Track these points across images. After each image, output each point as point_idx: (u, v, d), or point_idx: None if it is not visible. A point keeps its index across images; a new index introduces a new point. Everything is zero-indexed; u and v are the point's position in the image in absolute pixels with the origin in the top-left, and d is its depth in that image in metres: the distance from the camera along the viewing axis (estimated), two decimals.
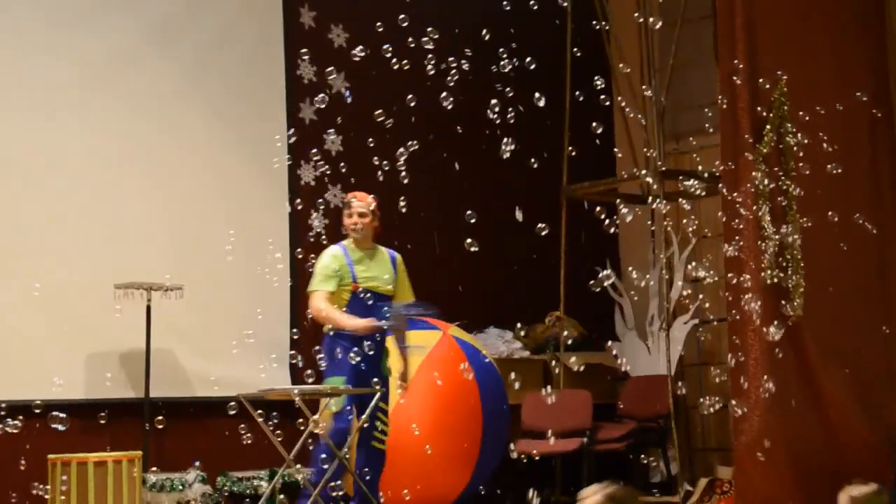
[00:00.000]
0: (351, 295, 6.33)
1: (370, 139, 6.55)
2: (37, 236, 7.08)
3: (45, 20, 7.35)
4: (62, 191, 7.22)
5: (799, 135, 6.79)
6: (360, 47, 5.84)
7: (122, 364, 7.40)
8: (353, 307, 6.31)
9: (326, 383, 6.25)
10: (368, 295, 6.33)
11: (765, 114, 6.83)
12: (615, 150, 9.30)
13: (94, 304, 7.08)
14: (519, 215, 5.57)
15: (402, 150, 5.73)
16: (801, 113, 6.81)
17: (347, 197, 6.51)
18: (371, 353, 6.11)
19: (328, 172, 7.75)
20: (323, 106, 6.49)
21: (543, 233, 5.86)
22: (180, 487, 7.25)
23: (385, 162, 6.07)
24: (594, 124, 6.39)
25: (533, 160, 6.11)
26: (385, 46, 6.28)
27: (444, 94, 6.09)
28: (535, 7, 6.33)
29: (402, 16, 7.09)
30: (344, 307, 6.30)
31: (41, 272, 6.92)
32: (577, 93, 7.69)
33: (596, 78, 6.45)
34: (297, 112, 8.33)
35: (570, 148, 8.45)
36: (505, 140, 5.74)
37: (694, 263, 8.55)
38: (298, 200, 7.75)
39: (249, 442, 6.13)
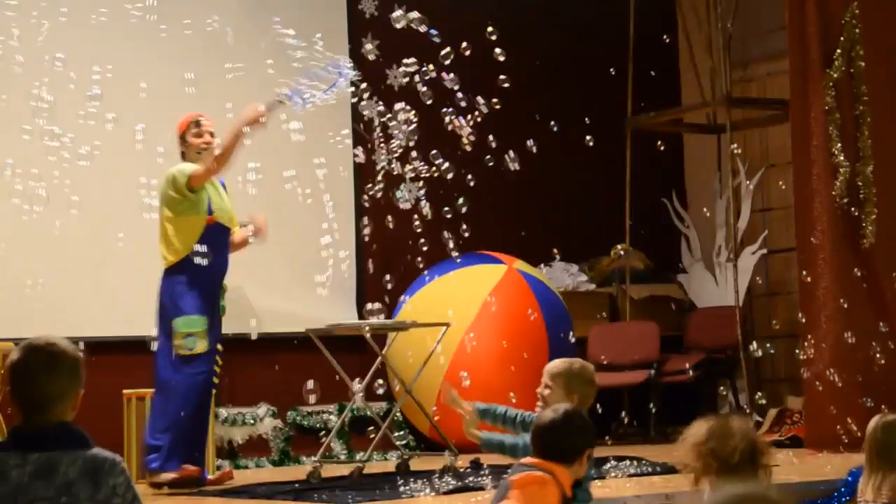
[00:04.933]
0: (205, 228, 5.87)
1: (431, 70, 6.47)
2: (117, 190, 7.11)
3: None
4: (138, 149, 7.25)
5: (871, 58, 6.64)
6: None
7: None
8: (207, 243, 5.82)
9: (179, 323, 5.76)
10: (220, 229, 5.96)
11: (837, 38, 6.70)
12: (680, 78, 9.20)
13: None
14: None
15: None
16: (872, 35, 6.65)
17: (193, 115, 6.03)
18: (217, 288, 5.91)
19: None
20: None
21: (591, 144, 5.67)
22: (252, 422, 7.38)
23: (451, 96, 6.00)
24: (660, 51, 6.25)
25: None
26: None
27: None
28: None
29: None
30: (194, 243, 5.80)
31: (123, 222, 7.00)
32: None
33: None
34: (360, 48, 8.32)
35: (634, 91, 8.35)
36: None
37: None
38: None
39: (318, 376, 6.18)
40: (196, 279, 5.80)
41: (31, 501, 2.52)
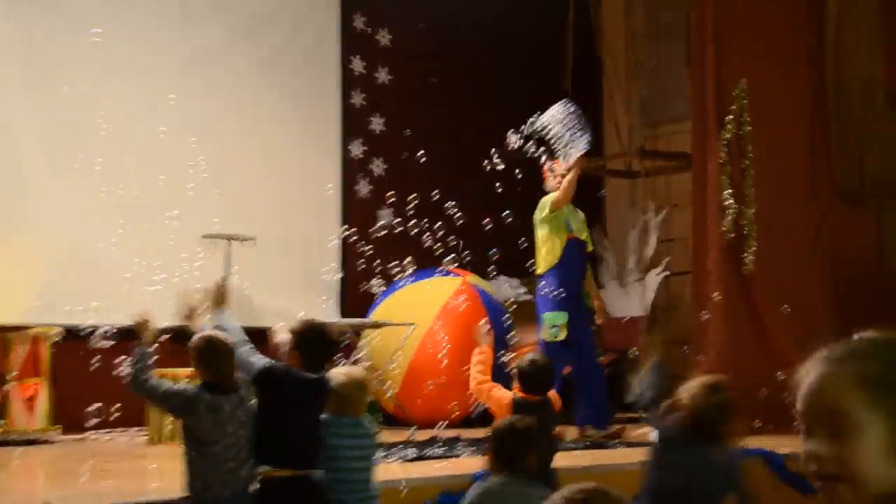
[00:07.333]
0: (566, 242, 6.22)
1: (404, 127, 6.57)
2: (143, 198, 7.11)
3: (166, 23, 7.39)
4: (163, 165, 7.25)
5: (755, 123, 6.78)
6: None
7: (206, 299, 7.47)
8: (567, 255, 6.20)
9: (547, 317, 6.12)
10: (577, 243, 6.25)
11: (729, 106, 6.83)
12: (604, 133, 9.30)
13: (185, 251, 7.13)
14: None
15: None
16: (756, 105, 6.80)
17: (549, 163, 6.34)
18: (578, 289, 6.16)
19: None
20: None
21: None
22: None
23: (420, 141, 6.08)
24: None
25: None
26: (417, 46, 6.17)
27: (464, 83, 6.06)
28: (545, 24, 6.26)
29: (421, 24, 7.06)
30: (559, 255, 6.18)
31: (145, 227, 6.99)
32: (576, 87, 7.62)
33: (591, 76, 6.45)
34: (349, 98, 8.39)
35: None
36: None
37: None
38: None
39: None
40: (559, 283, 6.10)
41: (228, 413, 3.49)
